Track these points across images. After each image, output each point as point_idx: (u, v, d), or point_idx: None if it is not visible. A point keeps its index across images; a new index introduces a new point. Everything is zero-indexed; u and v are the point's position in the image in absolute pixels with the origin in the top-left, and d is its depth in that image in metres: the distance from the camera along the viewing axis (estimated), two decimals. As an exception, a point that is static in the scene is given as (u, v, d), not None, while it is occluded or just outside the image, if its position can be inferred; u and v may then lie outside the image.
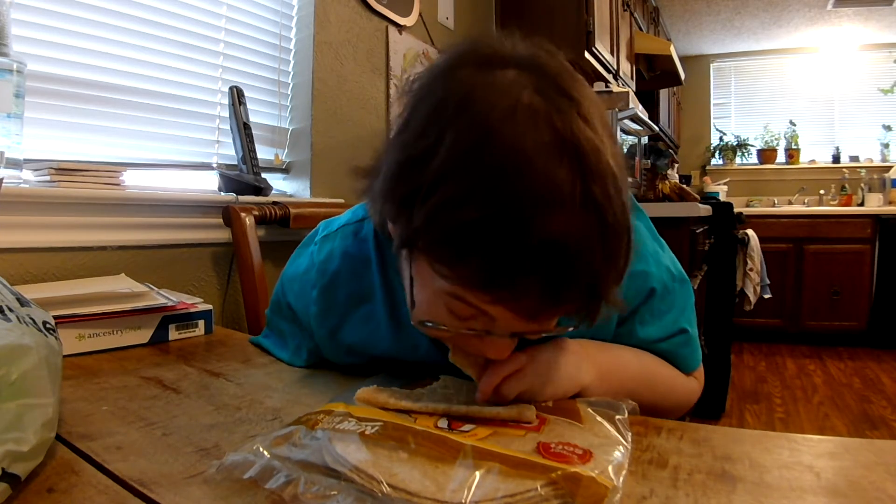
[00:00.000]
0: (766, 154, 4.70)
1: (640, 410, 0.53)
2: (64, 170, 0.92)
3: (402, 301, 0.59)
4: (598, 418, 0.46)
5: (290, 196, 1.50)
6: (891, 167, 4.23)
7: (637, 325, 0.62)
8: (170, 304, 0.83)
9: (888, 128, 4.37)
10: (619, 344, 0.62)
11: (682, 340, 0.64)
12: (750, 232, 2.83)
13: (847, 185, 4.34)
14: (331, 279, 0.64)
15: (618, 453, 0.39)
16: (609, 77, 2.48)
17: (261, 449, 0.40)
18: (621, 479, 0.37)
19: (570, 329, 0.48)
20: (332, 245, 0.65)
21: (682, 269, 0.66)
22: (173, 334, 0.84)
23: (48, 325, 0.51)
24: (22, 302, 0.52)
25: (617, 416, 0.46)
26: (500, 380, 0.48)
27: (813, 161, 4.59)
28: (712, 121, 4.92)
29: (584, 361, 0.54)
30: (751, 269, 2.75)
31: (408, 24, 1.84)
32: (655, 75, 3.57)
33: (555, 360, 0.52)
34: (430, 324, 0.47)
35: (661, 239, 0.67)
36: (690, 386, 0.66)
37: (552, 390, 0.51)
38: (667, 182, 2.55)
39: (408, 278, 0.49)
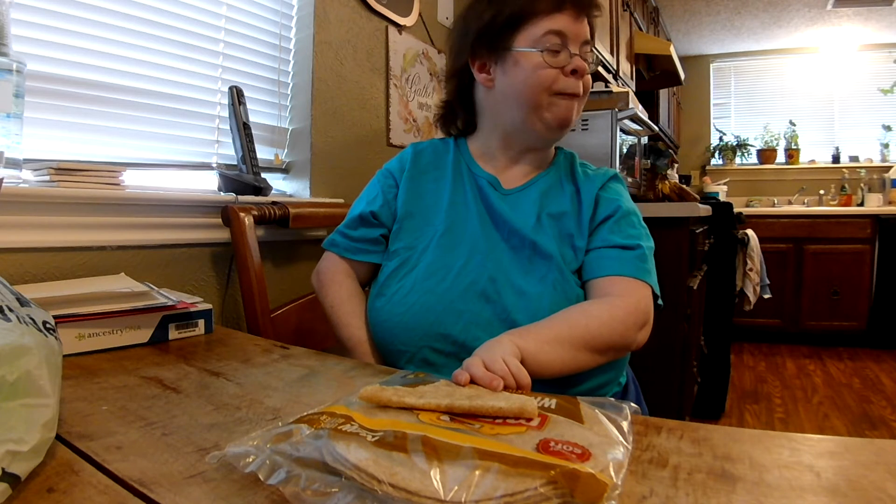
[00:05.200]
0: (766, 154, 4.70)
1: (593, 343, 0.71)
2: (64, 170, 0.92)
3: (462, 178, 0.91)
4: (600, 417, 0.46)
5: (290, 196, 1.50)
6: (890, 167, 4.23)
7: (605, 232, 0.83)
8: (169, 303, 0.83)
9: (888, 128, 4.37)
10: (590, 248, 0.82)
11: (638, 253, 0.80)
12: (750, 232, 2.82)
13: (847, 185, 4.34)
14: (422, 148, 0.97)
15: (618, 452, 0.39)
16: (609, 77, 2.48)
17: (261, 444, 0.40)
18: (621, 476, 0.36)
19: (595, 58, 0.86)
20: (425, 143, 0.99)
21: (651, 238, 0.85)
22: (173, 334, 0.84)
23: (48, 325, 0.51)
24: (22, 302, 0.52)
25: (618, 417, 0.46)
26: (479, 362, 0.57)
27: (813, 161, 4.59)
28: (712, 121, 4.93)
29: (510, 335, 0.68)
30: (750, 269, 2.75)
31: (408, 24, 1.84)
32: (655, 75, 3.57)
33: (493, 342, 0.66)
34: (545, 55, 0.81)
35: (640, 213, 0.88)
36: (625, 311, 0.75)
37: (500, 350, 0.62)
38: (666, 182, 2.55)
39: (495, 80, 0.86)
